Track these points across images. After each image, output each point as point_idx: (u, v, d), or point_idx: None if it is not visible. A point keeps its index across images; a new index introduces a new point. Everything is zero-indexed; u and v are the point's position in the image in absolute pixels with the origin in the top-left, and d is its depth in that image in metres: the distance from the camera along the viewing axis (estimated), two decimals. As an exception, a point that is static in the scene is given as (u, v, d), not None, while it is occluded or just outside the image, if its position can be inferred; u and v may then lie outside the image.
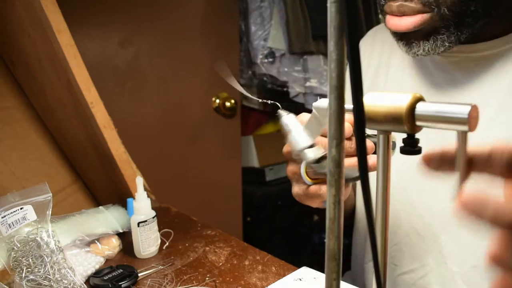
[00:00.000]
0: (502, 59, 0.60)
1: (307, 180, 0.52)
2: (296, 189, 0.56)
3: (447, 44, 0.58)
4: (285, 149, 0.55)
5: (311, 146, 0.50)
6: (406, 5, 0.56)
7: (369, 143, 0.49)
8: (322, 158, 0.50)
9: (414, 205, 0.66)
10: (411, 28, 0.57)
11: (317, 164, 0.50)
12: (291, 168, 0.56)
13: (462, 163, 0.28)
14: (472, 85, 0.62)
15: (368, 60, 0.78)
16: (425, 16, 0.56)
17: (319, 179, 0.53)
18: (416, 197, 0.66)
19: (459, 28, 0.56)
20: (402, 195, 0.67)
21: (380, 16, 0.65)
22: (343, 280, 0.58)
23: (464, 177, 0.28)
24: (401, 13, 0.57)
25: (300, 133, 0.50)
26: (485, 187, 0.24)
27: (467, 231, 0.60)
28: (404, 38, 0.60)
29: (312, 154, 0.49)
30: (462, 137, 0.29)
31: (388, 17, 0.60)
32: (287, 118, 0.51)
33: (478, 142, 0.28)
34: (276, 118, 0.53)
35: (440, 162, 0.30)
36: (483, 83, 0.61)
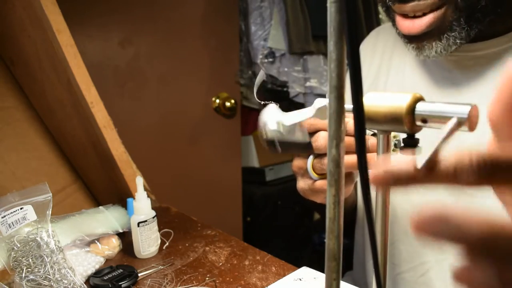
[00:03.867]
0: (501, 58, 0.60)
1: (313, 174, 0.52)
2: (302, 184, 0.56)
3: (458, 42, 0.57)
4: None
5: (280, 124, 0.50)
6: (422, 4, 0.56)
7: (373, 140, 0.49)
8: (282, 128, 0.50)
9: (412, 203, 0.66)
10: (424, 30, 0.57)
11: (278, 131, 0.50)
12: (297, 163, 0.55)
13: (441, 143, 0.25)
14: (471, 83, 0.62)
15: (369, 60, 0.78)
16: (437, 13, 0.56)
17: (325, 174, 0.53)
18: (414, 194, 0.66)
19: (469, 23, 0.56)
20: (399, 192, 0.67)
21: (380, 16, 0.65)
22: (344, 280, 0.58)
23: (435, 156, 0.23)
24: (415, 13, 0.57)
25: (272, 111, 0.50)
26: (442, 202, 0.21)
27: None
28: (415, 40, 0.59)
29: (272, 125, 0.49)
30: (455, 125, 0.28)
31: (399, 20, 0.59)
32: (270, 105, 0.51)
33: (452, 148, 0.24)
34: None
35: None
36: (483, 81, 0.61)
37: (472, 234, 0.20)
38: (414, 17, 0.58)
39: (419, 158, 0.23)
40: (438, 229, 0.20)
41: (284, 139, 0.50)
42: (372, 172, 0.23)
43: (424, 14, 0.57)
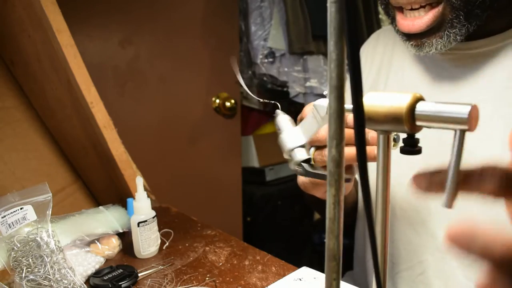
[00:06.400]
0: (499, 55, 0.61)
1: None
2: (302, 178, 0.56)
3: (458, 38, 0.58)
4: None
5: (303, 146, 0.50)
6: None
7: (374, 133, 0.49)
8: (310, 159, 0.51)
9: (411, 201, 0.66)
10: (424, 28, 0.57)
11: (306, 165, 0.50)
12: None
13: (455, 164, 0.27)
14: (469, 81, 0.62)
15: (370, 63, 0.79)
16: (436, 11, 0.56)
17: (326, 166, 0.53)
18: (413, 193, 0.66)
19: (469, 20, 0.57)
20: (399, 191, 0.67)
21: (380, 16, 0.65)
22: (344, 280, 0.58)
23: (455, 187, 0.26)
24: (409, 5, 0.57)
25: (291, 132, 0.50)
26: (473, 219, 0.22)
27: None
28: (415, 38, 0.60)
29: (300, 155, 0.49)
30: (460, 136, 0.29)
31: (399, 19, 0.60)
32: (280, 118, 0.52)
33: (468, 160, 0.27)
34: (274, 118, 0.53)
35: (431, 183, 0.28)
36: (481, 79, 0.61)
37: (496, 251, 0.21)
38: (412, 9, 0.58)
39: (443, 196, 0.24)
40: (466, 243, 0.22)
41: (313, 174, 0.51)
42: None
43: (421, 7, 0.57)
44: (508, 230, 0.21)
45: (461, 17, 0.56)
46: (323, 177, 0.51)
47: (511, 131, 0.26)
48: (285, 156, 0.52)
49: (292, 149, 0.50)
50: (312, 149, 0.51)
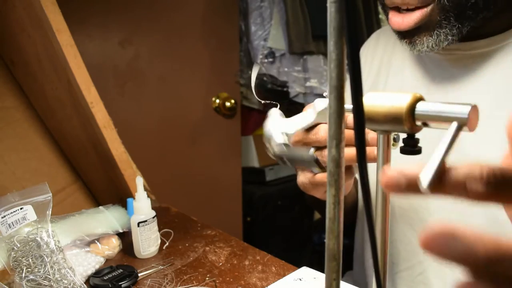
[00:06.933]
0: (499, 55, 0.61)
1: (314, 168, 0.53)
2: (302, 178, 0.56)
3: (450, 38, 0.58)
4: (294, 139, 0.55)
5: (286, 134, 0.51)
6: None
7: (373, 134, 0.49)
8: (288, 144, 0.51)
9: (410, 201, 0.66)
10: (412, 26, 0.58)
11: (284, 147, 0.51)
12: None
13: (444, 152, 0.24)
14: (469, 81, 0.63)
15: (370, 62, 0.79)
16: (424, 11, 0.57)
17: (326, 167, 0.53)
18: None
19: (460, 21, 0.57)
20: None
21: (380, 16, 0.65)
22: (344, 280, 0.58)
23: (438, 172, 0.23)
24: (404, 5, 0.58)
25: (276, 121, 0.51)
26: (453, 221, 0.21)
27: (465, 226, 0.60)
28: (408, 36, 0.60)
29: (278, 138, 0.50)
30: (456, 129, 0.27)
31: (391, 16, 0.60)
32: (272, 111, 0.52)
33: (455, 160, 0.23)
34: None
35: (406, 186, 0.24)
36: (480, 79, 0.62)
37: (478, 254, 0.19)
38: (407, 10, 0.58)
39: (424, 174, 0.22)
40: (445, 246, 0.20)
41: (291, 155, 0.51)
42: (384, 177, 0.22)
43: (415, 9, 0.58)
44: (509, 232, 0.20)
45: (451, 18, 0.56)
46: (302, 162, 0.51)
47: (508, 124, 0.24)
48: (265, 142, 0.53)
49: (272, 134, 0.51)
50: (312, 150, 0.52)
